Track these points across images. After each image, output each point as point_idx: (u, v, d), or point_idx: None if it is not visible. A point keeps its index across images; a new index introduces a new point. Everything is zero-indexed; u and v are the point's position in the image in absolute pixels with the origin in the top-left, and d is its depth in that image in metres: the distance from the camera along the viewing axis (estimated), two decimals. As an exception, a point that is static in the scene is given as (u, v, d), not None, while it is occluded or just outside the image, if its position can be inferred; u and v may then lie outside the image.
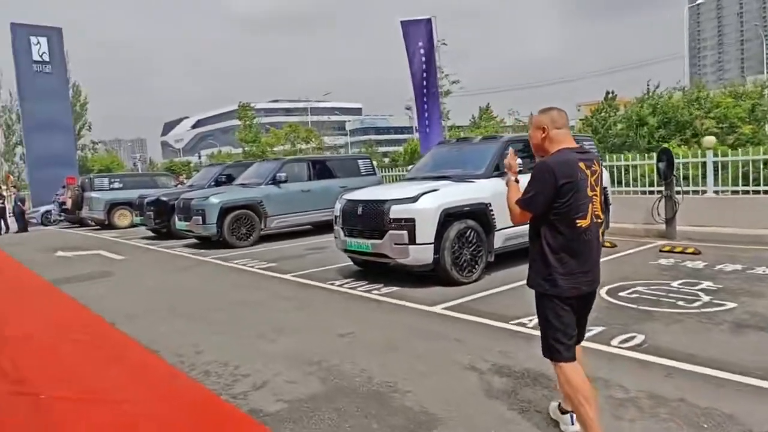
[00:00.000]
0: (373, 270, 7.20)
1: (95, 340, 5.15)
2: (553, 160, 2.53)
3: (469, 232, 6.24)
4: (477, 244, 6.30)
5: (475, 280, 6.25)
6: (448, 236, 6.05)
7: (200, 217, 10.46)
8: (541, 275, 2.58)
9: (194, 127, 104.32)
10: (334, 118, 75.37)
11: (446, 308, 5.26)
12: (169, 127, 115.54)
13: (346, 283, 6.74)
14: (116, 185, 17.41)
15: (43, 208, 21.04)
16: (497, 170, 6.58)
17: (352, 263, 7.64)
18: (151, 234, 13.80)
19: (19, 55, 24.04)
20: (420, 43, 13.11)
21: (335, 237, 7.24)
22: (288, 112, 79.34)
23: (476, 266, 6.29)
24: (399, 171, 17.29)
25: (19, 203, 18.54)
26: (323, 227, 12.46)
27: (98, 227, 17.35)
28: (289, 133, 28.13)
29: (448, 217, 6.09)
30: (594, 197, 2.55)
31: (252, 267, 8.42)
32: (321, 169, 12.31)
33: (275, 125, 39.07)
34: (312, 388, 3.54)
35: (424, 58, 13.11)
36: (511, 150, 2.89)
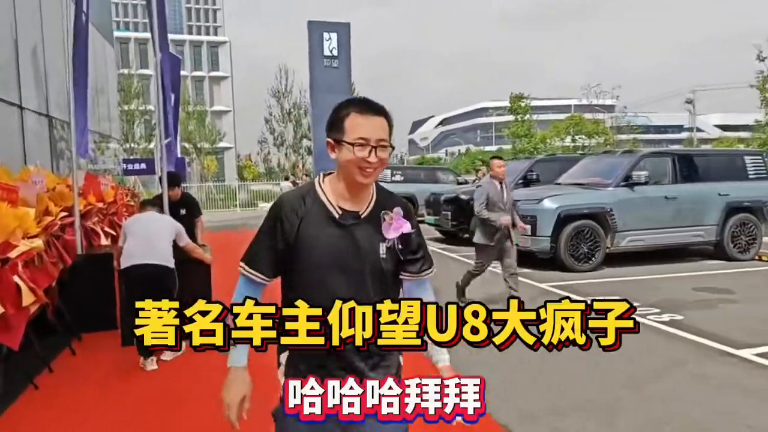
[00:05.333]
0: None
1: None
2: None
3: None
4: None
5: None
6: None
7: (529, 226, 7.82)
8: None
9: (440, 125, 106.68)
10: (587, 115, 67.84)
11: None
12: (417, 125, 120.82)
13: None
14: (397, 178, 16.28)
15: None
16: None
17: None
18: (440, 236, 11.93)
19: (313, 51, 25.57)
20: None
21: None
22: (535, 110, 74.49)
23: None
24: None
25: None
26: (678, 251, 8.85)
27: (376, 221, 16.55)
28: (570, 126, 24.30)
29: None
30: None
31: (639, 316, 5.37)
32: (691, 168, 8.56)
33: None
34: None
35: None
36: None
